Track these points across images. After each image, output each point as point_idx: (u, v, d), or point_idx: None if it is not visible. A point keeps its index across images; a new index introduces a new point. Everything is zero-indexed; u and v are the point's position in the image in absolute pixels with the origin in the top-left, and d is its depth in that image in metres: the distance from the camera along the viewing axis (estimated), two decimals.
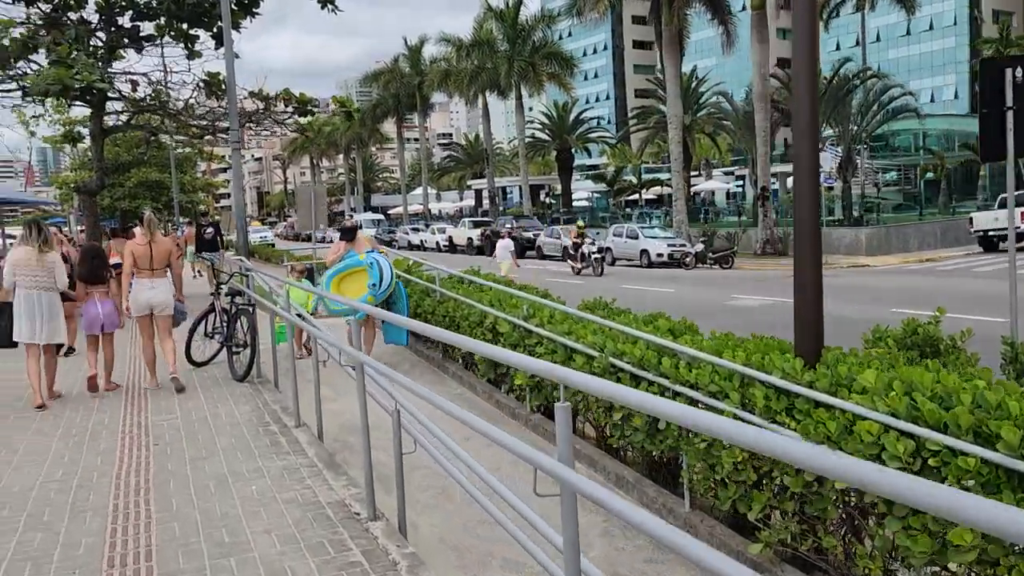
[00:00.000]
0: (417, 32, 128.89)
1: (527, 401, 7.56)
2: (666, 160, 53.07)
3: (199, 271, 18.10)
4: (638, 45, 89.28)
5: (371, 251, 9.77)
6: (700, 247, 26.02)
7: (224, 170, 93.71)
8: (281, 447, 6.09)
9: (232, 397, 7.91)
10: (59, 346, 8.66)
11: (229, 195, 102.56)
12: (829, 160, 25.79)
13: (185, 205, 37.30)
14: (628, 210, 47.57)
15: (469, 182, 65.53)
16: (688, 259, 25.71)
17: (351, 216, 53.87)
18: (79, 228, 19.21)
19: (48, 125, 30.36)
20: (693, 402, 5.22)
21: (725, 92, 40.19)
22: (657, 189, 50.86)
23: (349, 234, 10.31)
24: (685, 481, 5.31)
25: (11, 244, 18.92)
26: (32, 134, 33.24)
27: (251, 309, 8.65)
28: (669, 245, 27.05)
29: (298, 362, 7.34)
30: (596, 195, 57.40)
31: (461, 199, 71.22)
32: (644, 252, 27.36)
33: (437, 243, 41.30)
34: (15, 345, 7.89)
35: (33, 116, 21.40)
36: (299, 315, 6.79)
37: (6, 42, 14.16)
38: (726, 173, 51.16)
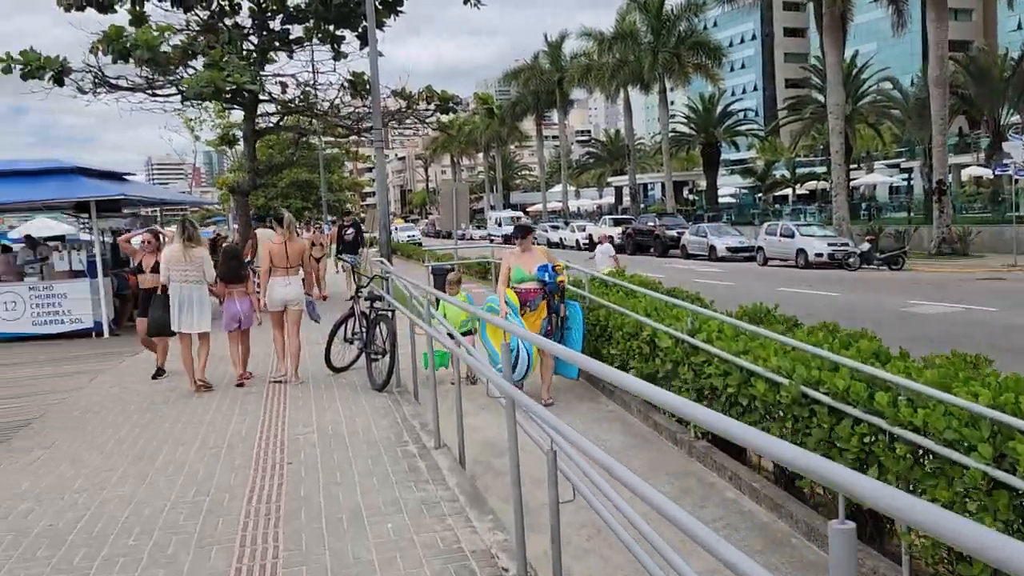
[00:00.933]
0: (556, 29, 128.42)
1: (691, 425, 6.65)
2: (820, 153, 49.93)
3: (340, 268, 18.09)
4: (789, 33, 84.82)
5: (543, 266, 8.00)
6: (866, 246, 23.87)
7: (369, 169, 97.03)
8: (420, 474, 5.51)
9: (370, 408, 7.47)
10: (159, 369, 9.29)
11: (374, 194, 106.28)
12: (1020, 150, 22.94)
13: (333, 204, 38.40)
14: (777, 206, 45.04)
15: (609, 179, 64.34)
16: (852, 259, 23.65)
17: (519, 216, 53.73)
18: (234, 227, 19.77)
19: (210, 129, 31.92)
20: (918, 450, 4.20)
21: (892, 78, 37.04)
22: (811, 184, 47.82)
23: (520, 233, 8.36)
24: (904, 545, 4.29)
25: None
26: (196, 138, 35.28)
27: (391, 315, 8.21)
28: (830, 244, 25.02)
29: (437, 374, 6.76)
30: (743, 191, 54.78)
31: (600, 196, 70.17)
32: (801, 252, 25.47)
33: (576, 241, 40.53)
34: (173, 334, 8.51)
35: (192, 119, 22.34)
36: (450, 335, 6.01)
37: (166, 48, 14.58)
38: (889, 166, 47.39)
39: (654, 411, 7.51)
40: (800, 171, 49.79)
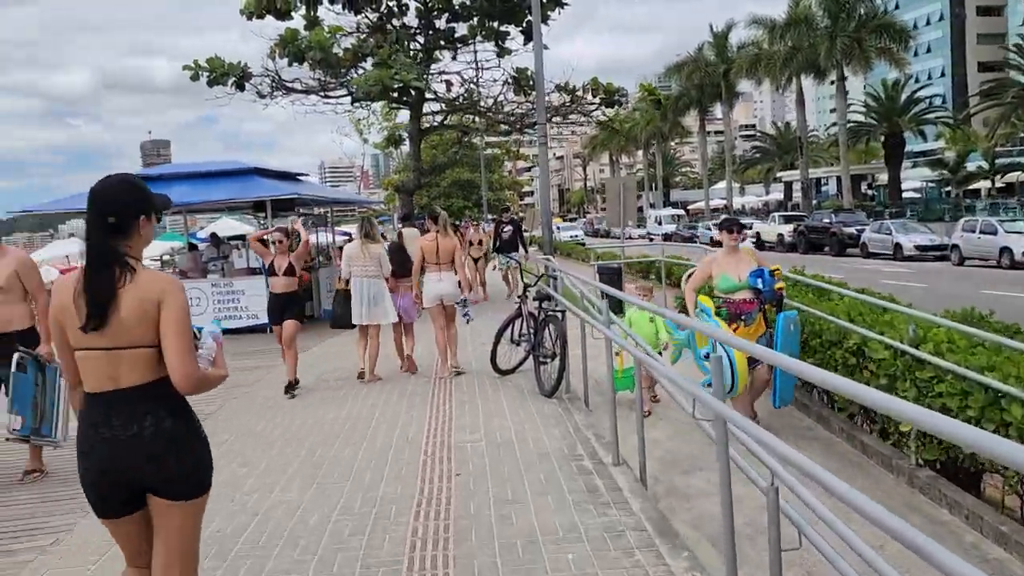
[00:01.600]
0: (719, 21, 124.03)
1: (912, 451, 5.69)
2: (1020, 142, 44.98)
3: (498, 267, 17.64)
4: (983, 11, 77.27)
5: (756, 271, 6.64)
6: None
7: (528, 169, 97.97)
8: (599, 494, 4.95)
9: (540, 416, 7.00)
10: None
11: (532, 192, 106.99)
12: None
13: (492, 203, 38.66)
14: (968, 201, 40.88)
15: (778, 174, 61.19)
16: None
17: (680, 215, 52.13)
18: (398, 226, 20.07)
19: (378, 131, 33.07)
20: None
21: None
22: (1011, 176, 43.05)
23: (730, 227, 6.93)
24: None
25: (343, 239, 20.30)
26: (365, 140, 36.64)
27: (560, 316, 7.72)
28: None
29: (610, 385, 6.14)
30: (929, 184, 50.27)
31: (767, 192, 66.97)
32: (1005, 250, 22.79)
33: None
34: (354, 326, 8.86)
35: (361, 120, 23.00)
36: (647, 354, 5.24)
37: (337, 50, 14.89)
38: None
39: (860, 431, 6.57)
40: (999, 162, 44.91)
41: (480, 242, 17.03)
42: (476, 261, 16.73)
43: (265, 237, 9.37)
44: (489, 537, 4.34)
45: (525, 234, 19.47)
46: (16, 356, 5.35)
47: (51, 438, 5.54)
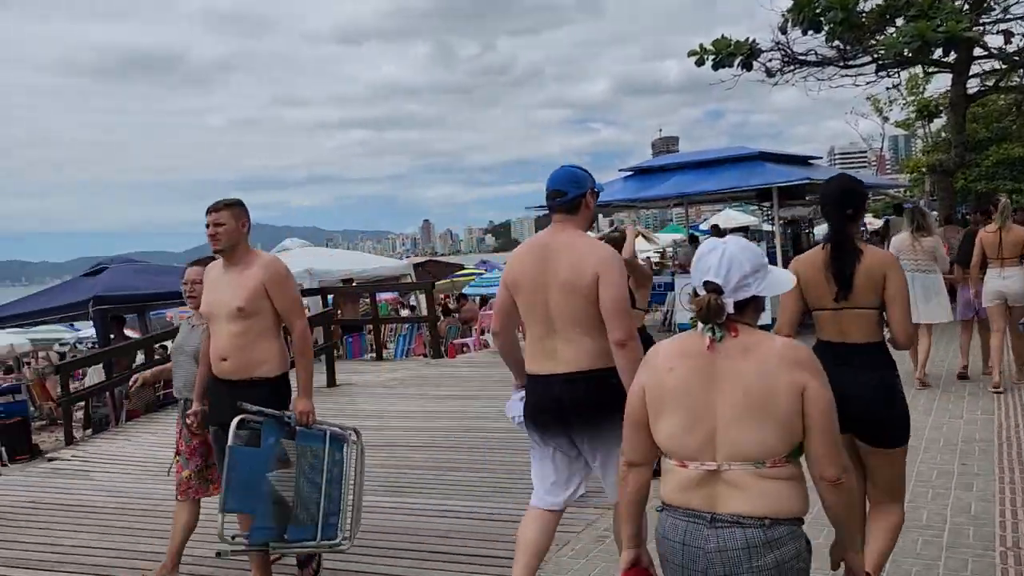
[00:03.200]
0: None
1: None
2: None
3: None
4: None
5: None
6: None
7: None
8: None
9: None
10: None
11: None
12: None
13: None
14: None
15: None
16: None
17: None
18: (932, 213, 16.95)
19: (900, 109, 29.34)
20: None
21: None
22: None
23: None
24: None
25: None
26: (885, 119, 32.83)
27: None
28: None
29: None
30: None
31: None
32: None
33: None
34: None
35: (890, 87, 20.19)
36: None
37: (860, 10, 12.82)
38: None
39: None
40: None
41: None
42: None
43: None
44: None
45: None
46: (235, 422, 3.55)
47: (331, 540, 3.83)
